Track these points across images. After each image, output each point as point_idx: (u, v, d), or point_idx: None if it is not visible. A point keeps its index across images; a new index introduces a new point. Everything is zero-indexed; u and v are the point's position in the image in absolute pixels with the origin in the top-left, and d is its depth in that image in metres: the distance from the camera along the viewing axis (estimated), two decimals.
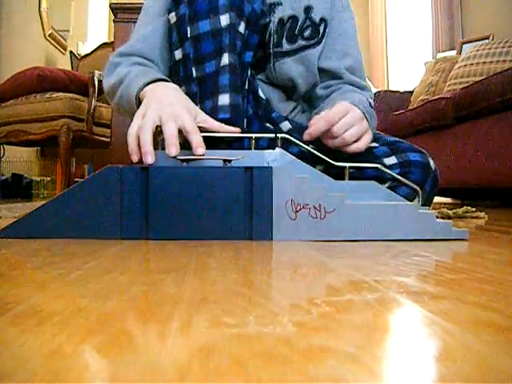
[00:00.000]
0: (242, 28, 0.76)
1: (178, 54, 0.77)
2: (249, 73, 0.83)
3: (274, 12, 0.85)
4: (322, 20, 0.87)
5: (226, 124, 0.71)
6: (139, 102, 0.71)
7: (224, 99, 0.72)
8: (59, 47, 3.72)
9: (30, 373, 0.17)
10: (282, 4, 0.85)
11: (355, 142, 0.73)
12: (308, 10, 0.86)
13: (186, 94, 0.76)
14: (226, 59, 0.73)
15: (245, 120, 0.79)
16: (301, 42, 0.86)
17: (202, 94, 0.74)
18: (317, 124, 0.70)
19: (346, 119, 0.71)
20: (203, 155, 0.61)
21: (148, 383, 0.17)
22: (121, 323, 0.24)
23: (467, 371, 0.18)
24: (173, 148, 0.59)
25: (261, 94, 0.87)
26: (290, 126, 0.88)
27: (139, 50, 0.82)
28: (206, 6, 0.73)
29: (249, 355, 0.19)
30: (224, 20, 0.73)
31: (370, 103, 0.82)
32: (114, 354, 0.19)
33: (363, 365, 0.18)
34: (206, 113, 0.72)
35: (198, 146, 0.61)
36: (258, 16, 0.79)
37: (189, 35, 0.74)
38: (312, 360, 0.19)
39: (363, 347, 0.20)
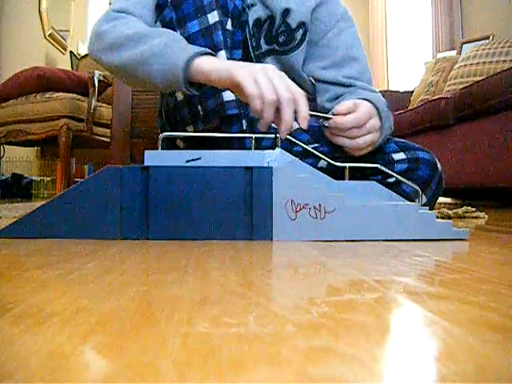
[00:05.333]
0: (229, 25, 0.76)
1: None
2: None
3: (248, 14, 0.83)
4: (301, 24, 0.84)
5: (233, 120, 0.70)
6: (185, 71, 0.65)
7: (229, 95, 0.72)
8: (59, 47, 3.72)
9: (30, 373, 0.17)
10: (255, 5, 0.83)
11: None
12: (286, 13, 0.83)
13: (184, 95, 0.75)
14: (223, 56, 0.73)
15: (244, 122, 0.79)
16: (275, 47, 0.84)
17: (202, 93, 0.73)
18: (345, 119, 0.68)
19: (369, 125, 0.70)
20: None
21: (148, 383, 0.17)
22: (121, 323, 0.24)
23: (467, 371, 0.18)
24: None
25: None
26: (297, 126, 0.88)
27: (138, 13, 0.75)
28: (191, 6, 0.72)
29: (249, 355, 0.19)
30: (212, 18, 0.72)
31: (388, 105, 0.80)
32: (114, 354, 0.19)
33: (363, 365, 0.18)
34: (210, 111, 0.72)
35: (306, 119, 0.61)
36: (239, 12, 0.79)
37: None
38: (312, 360, 0.19)
39: (363, 347, 0.20)
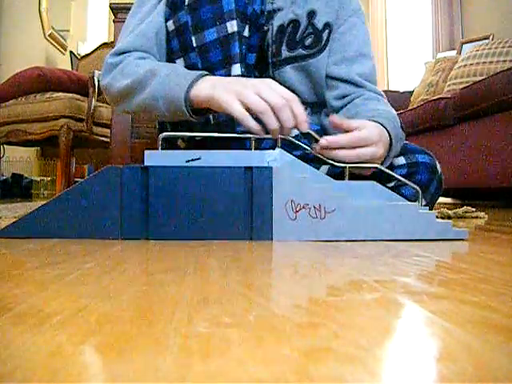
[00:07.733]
0: (246, 32, 0.74)
1: (180, 64, 0.74)
2: (252, 76, 0.81)
3: (273, 19, 0.80)
4: (327, 25, 0.81)
5: (237, 133, 0.70)
6: (187, 105, 0.66)
7: None
8: (59, 47, 3.72)
9: (30, 373, 0.17)
10: (282, 10, 0.80)
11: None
12: (311, 14, 0.80)
13: None
14: (237, 70, 0.71)
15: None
16: (301, 51, 0.81)
17: None
18: (338, 139, 0.63)
19: (363, 151, 0.64)
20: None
21: (148, 383, 0.17)
22: (121, 323, 0.24)
23: (467, 371, 0.18)
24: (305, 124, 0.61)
25: None
26: (298, 132, 0.87)
27: (140, 46, 0.75)
28: (210, 13, 0.70)
29: (249, 355, 0.19)
30: (230, 27, 0.70)
31: (400, 123, 0.76)
32: (113, 354, 0.19)
33: (363, 365, 0.18)
34: (221, 123, 0.71)
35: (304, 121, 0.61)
36: (257, 16, 0.77)
37: (194, 45, 0.71)
38: (312, 360, 0.19)
39: (363, 347, 0.20)
